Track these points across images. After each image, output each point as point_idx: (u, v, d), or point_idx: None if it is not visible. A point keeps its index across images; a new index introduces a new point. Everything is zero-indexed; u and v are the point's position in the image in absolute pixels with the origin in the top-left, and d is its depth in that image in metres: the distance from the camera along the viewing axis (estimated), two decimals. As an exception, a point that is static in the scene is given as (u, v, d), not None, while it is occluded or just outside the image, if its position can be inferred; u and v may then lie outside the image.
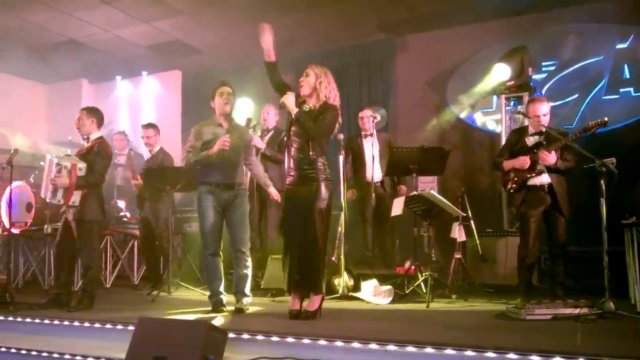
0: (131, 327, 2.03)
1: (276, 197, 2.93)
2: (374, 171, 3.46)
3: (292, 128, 2.37)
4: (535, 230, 2.80)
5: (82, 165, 2.78)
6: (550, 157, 2.69)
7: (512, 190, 2.88)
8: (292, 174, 2.39)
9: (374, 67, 5.00)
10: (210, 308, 2.66)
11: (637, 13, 3.94)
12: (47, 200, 2.84)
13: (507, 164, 2.87)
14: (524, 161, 2.78)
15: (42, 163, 4.46)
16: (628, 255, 2.70)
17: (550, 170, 2.77)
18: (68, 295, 2.86)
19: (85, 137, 2.95)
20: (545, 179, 2.78)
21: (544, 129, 2.78)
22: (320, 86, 2.34)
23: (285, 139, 2.52)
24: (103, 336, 2.25)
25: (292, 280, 2.35)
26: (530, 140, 2.85)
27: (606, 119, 2.60)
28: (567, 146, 2.71)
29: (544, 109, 2.78)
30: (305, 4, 4.25)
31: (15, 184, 3.73)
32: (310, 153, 2.31)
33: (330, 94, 2.36)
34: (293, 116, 2.34)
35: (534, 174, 2.78)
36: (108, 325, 2.27)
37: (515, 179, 2.84)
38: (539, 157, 2.72)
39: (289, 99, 2.33)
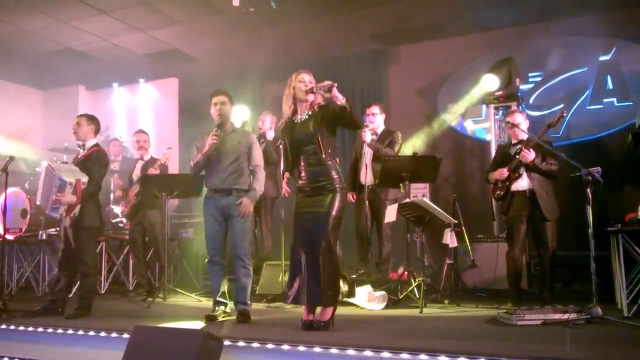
0: (126, 335, 2.03)
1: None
2: (367, 176, 3.51)
3: (297, 137, 2.29)
4: (521, 235, 2.95)
5: (85, 179, 2.74)
6: (530, 154, 2.88)
7: (498, 198, 3.07)
8: (305, 183, 2.32)
9: (367, 76, 5.09)
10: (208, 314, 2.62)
11: (619, 27, 4.09)
12: (48, 213, 2.79)
13: (491, 177, 3.13)
14: (502, 172, 3.01)
15: (37, 169, 4.45)
16: (614, 261, 2.78)
17: (531, 169, 2.93)
18: (63, 302, 2.84)
19: (81, 143, 2.93)
20: (526, 183, 2.96)
21: (523, 138, 3.00)
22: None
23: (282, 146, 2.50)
24: (97, 344, 2.23)
25: (305, 289, 2.23)
26: (513, 150, 3.07)
27: (564, 110, 3.11)
28: (548, 150, 2.89)
29: (517, 119, 3.03)
30: (300, 14, 4.32)
31: (10, 190, 3.71)
32: (326, 159, 2.25)
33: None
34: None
35: (515, 176, 2.97)
36: (102, 334, 2.26)
37: (500, 186, 3.04)
38: (520, 158, 2.91)
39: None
